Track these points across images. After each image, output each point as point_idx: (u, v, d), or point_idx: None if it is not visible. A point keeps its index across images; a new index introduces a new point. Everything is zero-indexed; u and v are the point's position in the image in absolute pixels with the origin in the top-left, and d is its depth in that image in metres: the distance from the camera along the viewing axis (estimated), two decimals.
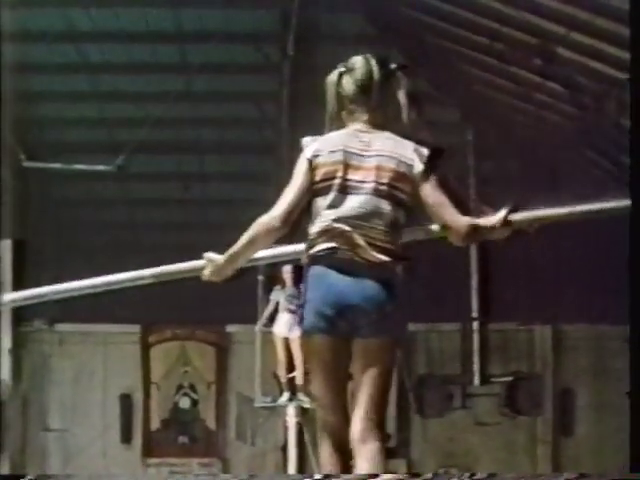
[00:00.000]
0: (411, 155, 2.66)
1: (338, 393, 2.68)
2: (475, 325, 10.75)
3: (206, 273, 2.80)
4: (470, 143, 10.73)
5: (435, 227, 2.75)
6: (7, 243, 10.49)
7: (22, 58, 9.20)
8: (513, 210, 2.76)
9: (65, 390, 10.73)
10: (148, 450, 10.76)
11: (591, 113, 8.35)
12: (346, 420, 2.67)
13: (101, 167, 9.96)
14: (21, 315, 10.58)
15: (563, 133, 9.50)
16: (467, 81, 9.91)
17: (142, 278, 3.10)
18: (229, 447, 10.77)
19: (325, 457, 2.69)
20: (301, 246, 2.75)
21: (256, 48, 10.13)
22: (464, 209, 2.70)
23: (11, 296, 3.25)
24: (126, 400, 10.75)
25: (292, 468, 8.56)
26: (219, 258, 2.76)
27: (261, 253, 2.84)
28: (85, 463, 10.55)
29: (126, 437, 10.74)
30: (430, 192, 2.64)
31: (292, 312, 8.06)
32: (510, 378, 10.75)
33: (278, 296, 8.55)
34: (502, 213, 2.76)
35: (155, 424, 10.84)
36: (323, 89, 2.76)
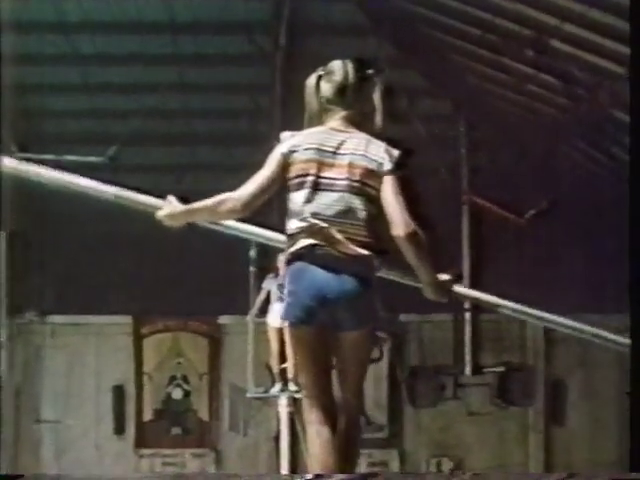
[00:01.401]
0: (382, 154, 2.79)
1: (324, 381, 2.80)
2: (467, 316, 10.78)
3: (161, 213, 2.97)
4: (462, 134, 10.74)
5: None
6: (2, 235, 10.47)
7: (13, 49, 9.15)
8: (457, 278, 2.96)
9: (58, 381, 10.72)
10: (141, 441, 10.76)
11: (584, 105, 8.36)
12: (332, 408, 2.80)
13: (93, 158, 9.94)
14: (13, 307, 10.57)
15: (556, 125, 9.51)
16: (459, 72, 9.90)
17: (104, 192, 3.30)
18: (222, 438, 10.79)
19: (313, 444, 2.78)
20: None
21: (248, 39, 10.10)
22: (420, 218, 2.84)
23: (9, 161, 3.42)
24: (119, 391, 10.75)
25: (285, 458, 8.58)
26: (177, 206, 2.95)
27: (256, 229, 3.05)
28: (78, 454, 10.56)
29: (119, 428, 10.74)
30: (389, 189, 2.77)
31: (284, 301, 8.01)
32: (502, 368, 10.79)
33: (270, 284, 8.53)
34: (444, 276, 2.90)
35: (148, 415, 10.84)
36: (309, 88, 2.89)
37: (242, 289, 9.28)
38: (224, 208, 2.86)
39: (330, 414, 2.78)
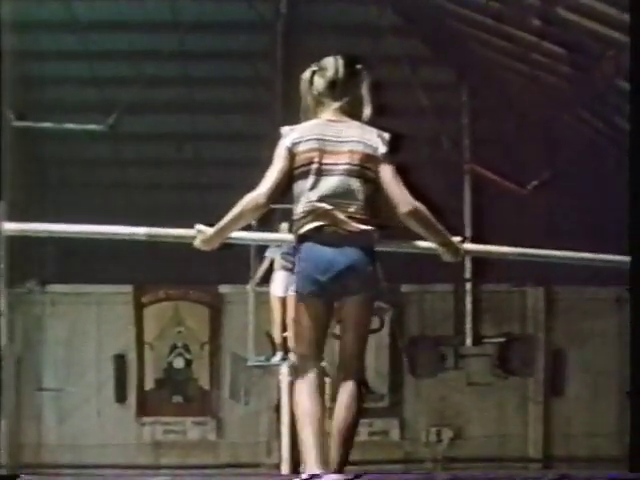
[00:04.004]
0: (376, 139, 3.11)
1: (318, 351, 3.11)
2: (468, 286, 10.78)
3: (197, 242, 3.19)
4: (464, 103, 10.67)
5: (422, 244, 3.23)
6: (1, 204, 10.43)
7: (11, 17, 9.06)
8: (464, 240, 3.26)
9: (59, 350, 10.76)
10: (143, 409, 10.83)
11: (588, 74, 8.28)
12: (322, 374, 3.09)
13: (92, 126, 9.88)
14: (13, 277, 10.57)
15: (559, 94, 9.43)
16: (462, 40, 9.80)
17: (135, 235, 3.38)
18: (223, 406, 10.85)
19: (300, 393, 3.05)
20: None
21: (249, 5, 10.00)
22: (417, 196, 3.12)
23: (12, 226, 3.48)
24: (120, 360, 10.80)
25: (285, 427, 8.62)
26: (208, 230, 3.15)
27: (253, 236, 3.37)
28: (79, 422, 10.62)
29: (120, 396, 10.80)
30: (388, 175, 3.08)
31: (288, 270, 8.02)
32: (502, 339, 10.82)
33: (273, 253, 8.51)
34: (456, 238, 3.22)
35: (149, 384, 10.89)
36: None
37: (243, 258, 9.27)
38: (250, 207, 3.07)
39: (320, 377, 3.07)
